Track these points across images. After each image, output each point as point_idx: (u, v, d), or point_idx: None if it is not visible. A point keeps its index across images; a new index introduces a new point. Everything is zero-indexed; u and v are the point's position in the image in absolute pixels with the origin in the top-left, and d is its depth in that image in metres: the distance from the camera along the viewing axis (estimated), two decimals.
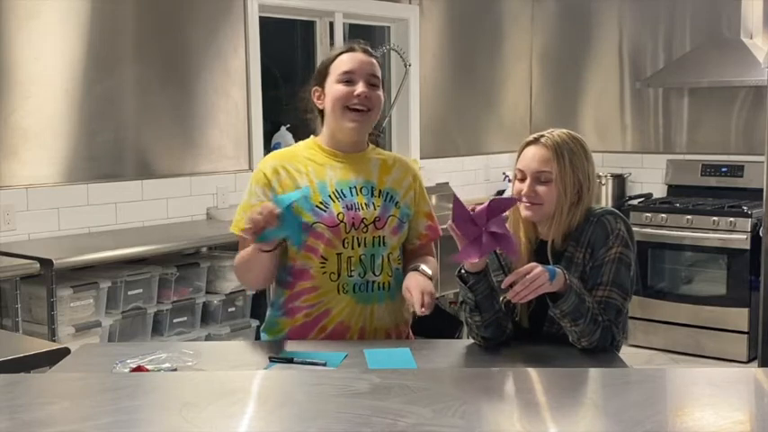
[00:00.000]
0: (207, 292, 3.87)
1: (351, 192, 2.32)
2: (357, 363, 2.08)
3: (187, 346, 2.27)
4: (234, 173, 4.39)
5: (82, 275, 3.49)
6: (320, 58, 4.80)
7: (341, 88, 2.31)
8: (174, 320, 3.75)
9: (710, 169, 5.49)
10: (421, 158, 5.32)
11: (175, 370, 2.04)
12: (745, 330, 5.01)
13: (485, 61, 5.86)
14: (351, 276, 2.29)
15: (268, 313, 2.43)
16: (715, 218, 5.08)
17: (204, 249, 4.00)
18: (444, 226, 2.24)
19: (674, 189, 5.64)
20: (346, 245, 2.28)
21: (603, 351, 2.14)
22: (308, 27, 4.95)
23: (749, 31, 5.31)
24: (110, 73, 3.93)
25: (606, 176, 5.67)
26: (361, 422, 1.44)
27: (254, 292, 3.99)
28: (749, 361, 4.98)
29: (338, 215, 2.28)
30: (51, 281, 3.23)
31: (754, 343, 4.92)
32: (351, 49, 2.36)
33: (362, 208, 2.31)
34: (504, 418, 1.53)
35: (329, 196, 2.29)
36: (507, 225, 2.11)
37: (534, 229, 2.27)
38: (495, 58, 5.93)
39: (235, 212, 2.37)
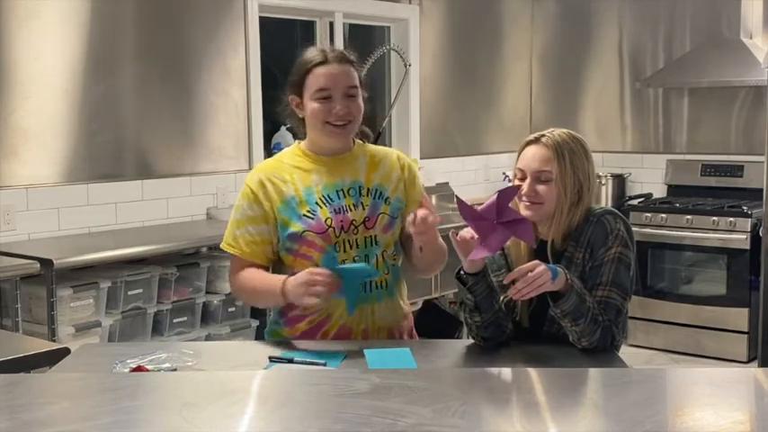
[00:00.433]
0: (207, 292, 3.87)
1: (338, 195, 2.31)
2: (357, 363, 2.09)
3: (187, 346, 2.27)
4: (234, 173, 4.39)
5: (82, 275, 3.49)
6: None
7: (318, 107, 2.27)
8: (174, 320, 3.75)
9: (710, 169, 5.49)
10: (421, 158, 5.32)
11: (175, 370, 2.04)
12: (745, 330, 5.01)
13: (485, 61, 5.86)
14: None
15: (269, 320, 2.43)
16: (715, 218, 5.08)
17: (204, 249, 4.00)
18: (445, 226, 2.23)
19: (673, 189, 5.64)
20: (338, 249, 2.27)
21: (603, 351, 2.15)
22: (308, 27, 4.94)
23: (749, 31, 5.30)
24: (110, 73, 3.93)
25: (606, 176, 5.67)
26: (361, 422, 1.44)
27: None
28: (749, 361, 4.98)
29: (326, 221, 2.27)
30: (51, 281, 3.23)
31: (754, 343, 4.92)
32: (324, 61, 2.28)
33: (351, 210, 2.30)
34: (504, 418, 1.52)
35: (316, 203, 2.29)
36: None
37: (534, 228, 2.27)
38: (495, 58, 5.93)
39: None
